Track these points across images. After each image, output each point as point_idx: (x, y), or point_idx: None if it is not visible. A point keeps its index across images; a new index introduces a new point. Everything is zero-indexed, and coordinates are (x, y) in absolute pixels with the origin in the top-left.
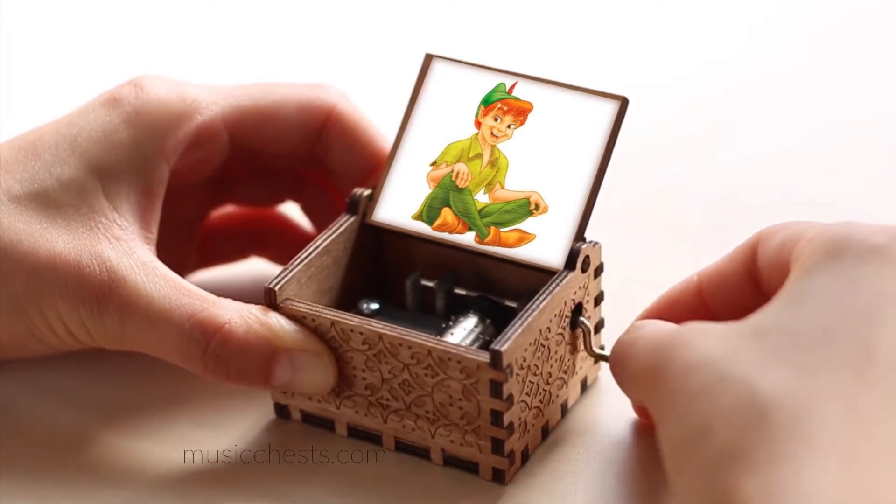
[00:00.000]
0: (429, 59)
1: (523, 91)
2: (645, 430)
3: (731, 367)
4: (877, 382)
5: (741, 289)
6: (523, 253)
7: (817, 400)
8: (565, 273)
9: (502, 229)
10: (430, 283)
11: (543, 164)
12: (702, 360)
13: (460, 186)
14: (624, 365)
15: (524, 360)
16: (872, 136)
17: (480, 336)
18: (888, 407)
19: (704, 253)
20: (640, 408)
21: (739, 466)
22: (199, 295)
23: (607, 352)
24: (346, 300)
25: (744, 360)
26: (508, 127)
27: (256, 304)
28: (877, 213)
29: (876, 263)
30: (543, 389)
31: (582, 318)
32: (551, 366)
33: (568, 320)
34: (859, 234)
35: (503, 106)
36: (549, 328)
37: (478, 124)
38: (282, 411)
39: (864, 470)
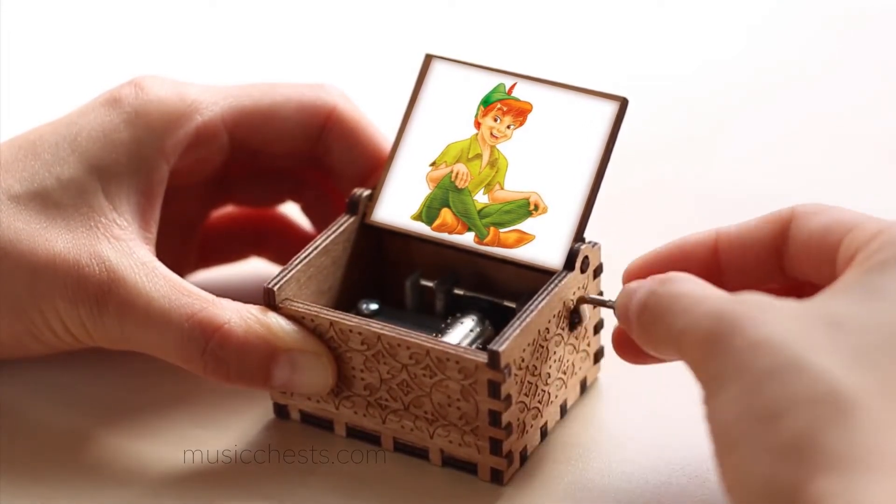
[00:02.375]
0: (429, 59)
1: (523, 91)
2: (645, 430)
3: (806, 355)
4: None
5: (761, 260)
6: (522, 253)
7: None
8: (564, 273)
9: (501, 230)
10: (429, 284)
11: (543, 164)
12: (772, 339)
13: (460, 187)
14: (661, 319)
15: (522, 361)
16: (871, 132)
17: (479, 336)
18: None
19: None
20: (620, 336)
21: (815, 462)
22: (198, 295)
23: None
24: (346, 300)
25: (821, 349)
26: (508, 127)
27: (256, 304)
28: (879, 210)
29: None
30: (542, 390)
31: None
32: (550, 366)
33: (567, 321)
34: None
35: (503, 106)
36: (547, 329)
37: (477, 125)
38: (281, 411)
39: None
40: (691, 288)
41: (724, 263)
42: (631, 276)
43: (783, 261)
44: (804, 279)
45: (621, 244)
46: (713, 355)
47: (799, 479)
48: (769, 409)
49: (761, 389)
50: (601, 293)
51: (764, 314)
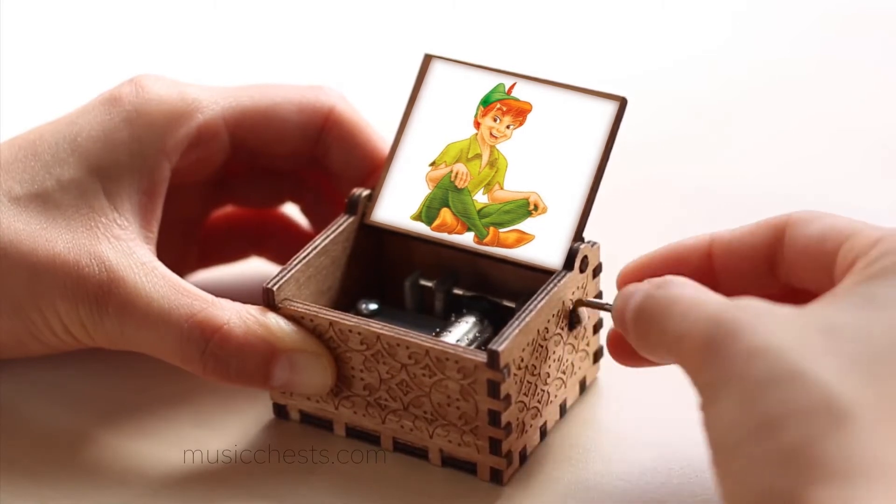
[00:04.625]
0: (428, 59)
1: (522, 91)
2: (645, 430)
3: (804, 364)
4: None
5: (755, 265)
6: (522, 253)
7: None
8: (563, 273)
9: (501, 230)
10: (429, 284)
11: (542, 164)
12: (770, 346)
13: (459, 187)
14: (657, 324)
15: (522, 361)
16: (869, 129)
17: (479, 336)
18: None
19: None
20: (615, 339)
21: (812, 472)
22: (198, 295)
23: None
24: (345, 300)
25: (818, 357)
26: (507, 127)
27: (256, 304)
28: (877, 207)
29: None
30: (541, 389)
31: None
32: (549, 366)
33: (566, 320)
34: None
35: (502, 106)
36: (546, 328)
37: (477, 125)
38: (280, 411)
39: None
40: (689, 292)
41: (718, 269)
42: (624, 280)
43: (778, 267)
44: (800, 286)
45: (621, 244)
46: (710, 361)
47: (796, 490)
48: (766, 419)
49: (758, 398)
50: (600, 293)
51: (762, 320)
